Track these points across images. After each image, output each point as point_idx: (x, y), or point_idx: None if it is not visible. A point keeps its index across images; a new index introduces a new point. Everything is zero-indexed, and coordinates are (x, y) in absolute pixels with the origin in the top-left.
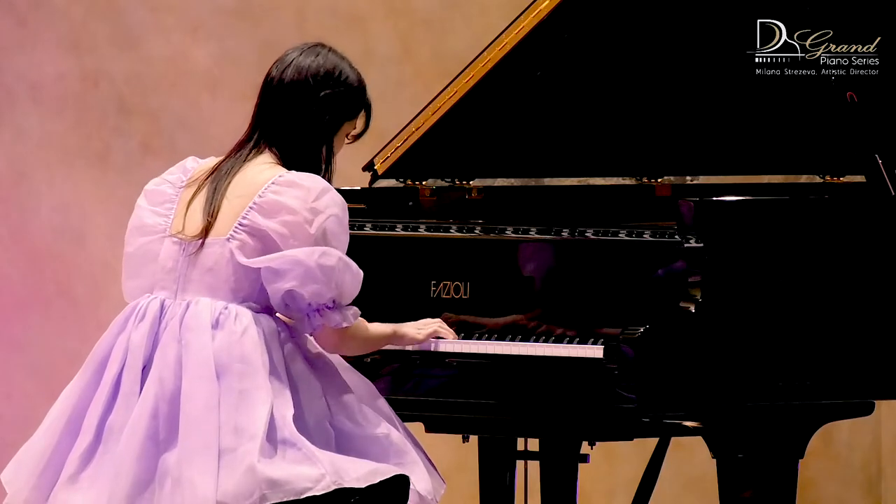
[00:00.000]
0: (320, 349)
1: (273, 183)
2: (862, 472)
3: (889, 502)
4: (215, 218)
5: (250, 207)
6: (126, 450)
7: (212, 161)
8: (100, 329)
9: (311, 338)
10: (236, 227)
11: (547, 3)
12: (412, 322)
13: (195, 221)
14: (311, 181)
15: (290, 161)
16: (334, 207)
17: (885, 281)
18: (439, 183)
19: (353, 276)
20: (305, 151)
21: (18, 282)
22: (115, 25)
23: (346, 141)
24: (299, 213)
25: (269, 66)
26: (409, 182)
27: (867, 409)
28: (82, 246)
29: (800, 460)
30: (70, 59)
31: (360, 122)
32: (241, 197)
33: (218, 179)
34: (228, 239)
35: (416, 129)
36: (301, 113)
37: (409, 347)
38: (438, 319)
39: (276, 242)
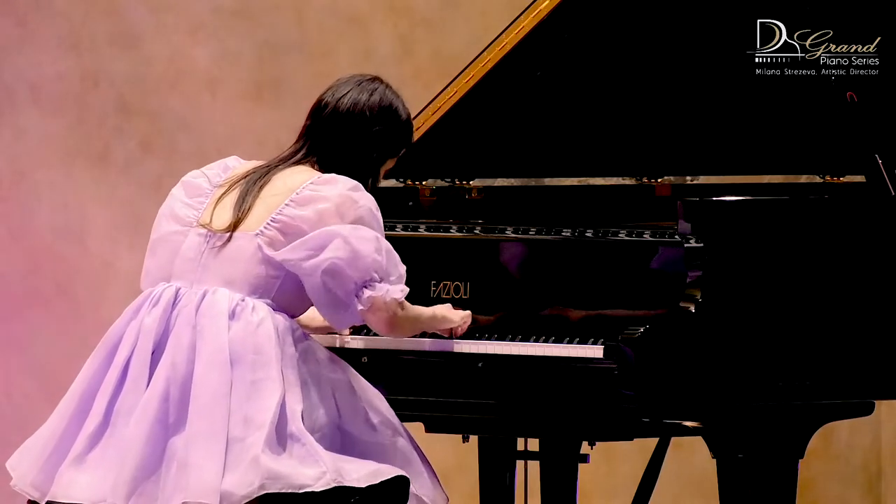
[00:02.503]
0: (333, 354)
1: (311, 182)
2: (862, 472)
3: (889, 502)
4: (246, 214)
5: (286, 204)
6: (135, 432)
7: (253, 163)
8: (99, 329)
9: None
10: (268, 224)
11: (547, 3)
12: (444, 305)
13: (224, 216)
14: (348, 180)
15: None
16: (369, 202)
17: (885, 281)
18: (439, 183)
19: (392, 253)
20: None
21: (18, 282)
22: (115, 25)
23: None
24: (333, 200)
25: (322, 92)
26: (409, 182)
27: (867, 409)
28: (82, 246)
29: (800, 460)
30: (70, 59)
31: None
32: (276, 195)
33: (253, 180)
34: (257, 234)
35: (416, 129)
36: (352, 144)
37: (409, 348)
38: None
39: (306, 232)
